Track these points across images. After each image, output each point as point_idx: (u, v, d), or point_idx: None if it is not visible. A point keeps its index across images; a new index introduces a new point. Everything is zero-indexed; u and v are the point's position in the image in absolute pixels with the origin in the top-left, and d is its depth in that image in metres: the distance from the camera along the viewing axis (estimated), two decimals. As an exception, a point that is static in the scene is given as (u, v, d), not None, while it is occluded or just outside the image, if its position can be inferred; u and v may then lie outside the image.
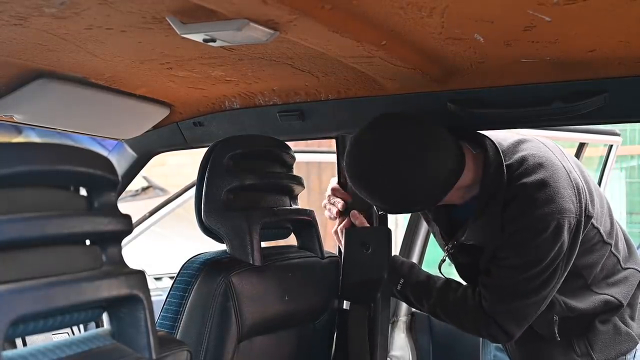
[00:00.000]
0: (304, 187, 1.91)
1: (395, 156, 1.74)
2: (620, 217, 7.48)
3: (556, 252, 1.82)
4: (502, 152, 1.87)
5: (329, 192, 2.05)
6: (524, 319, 1.89)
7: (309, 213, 1.93)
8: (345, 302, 2.07)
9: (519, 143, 1.91)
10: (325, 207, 2.06)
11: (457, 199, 1.89)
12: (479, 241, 1.88)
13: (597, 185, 2.05)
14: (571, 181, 1.86)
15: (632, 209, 7.80)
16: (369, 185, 1.79)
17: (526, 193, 1.83)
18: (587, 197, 1.89)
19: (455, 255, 2.00)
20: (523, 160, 1.86)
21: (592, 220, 1.90)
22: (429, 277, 1.98)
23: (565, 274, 1.88)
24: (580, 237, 1.87)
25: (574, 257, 1.88)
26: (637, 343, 2.07)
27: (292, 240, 1.96)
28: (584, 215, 1.86)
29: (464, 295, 1.92)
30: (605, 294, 2.00)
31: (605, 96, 1.69)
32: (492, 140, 1.87)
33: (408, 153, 1.73)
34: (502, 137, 1.93)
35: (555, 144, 2.00)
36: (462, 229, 1.91)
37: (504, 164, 1.85)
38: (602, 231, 1.95)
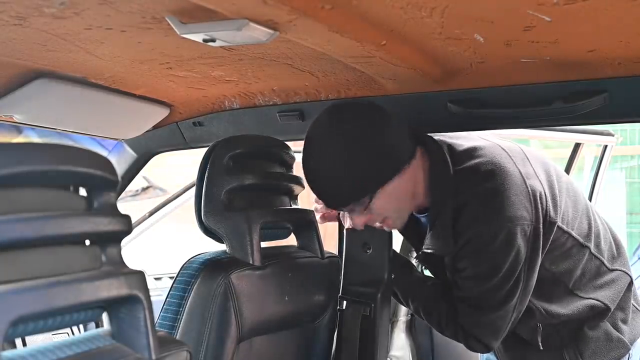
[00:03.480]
0: (303, 187, 1.91)
1: (327, 147, 1.73)
2: (620, 217, 7.47)
3: (513, 261, 1.79)
4: (455, 158, 1.85)
5: None
6: (498, 331, 1.89)
7: (309, 213, 1.92)
8: (345, 302, 2.07)
9: (474, 149, 1.88)
10: (317, 209, 2.01)
11: (411, 206, 1.88)
12: (435, 250, 1.86)
13: (573, 187, 2.00)
14: (526, 187, 1.82)
15: (632, 209, 7.80)
16: (309, 179, 1.79)
17: (476, 202, 1.81)
18: (549, 202, 1.85)
19: (424, 266, 2.01)
20: (474, 167, 1.84)
21: (560, 225, 1.87)
22: (419, 278, 1.98)
23: (532, 283, 1.86)
24: (543, 244, 1.84)
25: (538, 264, 1.85)
26: (629, 349, 2.03)
27: (292, 240, 1.96)
28: (542, 222, 1.82)
29: (447, 305, 1.92)
30: (590, 298, 1.97)
31: (605, 96, 1.69)
32: (440, 148, 1.85)
33: (339, 144, 1.72)
34: (460, 142, 1.91)
35: (518, 148, 1.95)
36: (424, 240, 1.90)
37: (453, 169, 1.83)
38: (575, 235, 1.92)
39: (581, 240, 1.94)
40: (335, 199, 1.80)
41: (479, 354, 2.41)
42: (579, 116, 1.75)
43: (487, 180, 1.81)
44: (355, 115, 1.75)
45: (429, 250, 1.87)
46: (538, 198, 1.83)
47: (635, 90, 1.69)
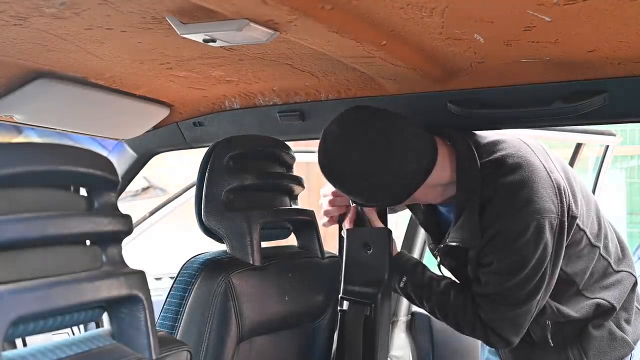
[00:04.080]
0: (304, 187, 1.91)
1: (360, 149, 1.73)
2: (620, 217, 7.47)
3: (541, 255, 1.79)
4: (480, 150, 1.85)
5: (328, 195, 2.01)
6: (520, 327, 1.88)
7: (309, 213, 1.92)
8: (345, 302, 2.07)
9: (498, 142, 1.88)
10: (324, 212, 2.02)
11: (435, 198, 1.88)
12: (461, 243, 1.85)
13: (585, 187, 2.02)
14: (552, 181, 1.82)
15: (632, 209, 7.80)
16: (337, 177, 1.79)
17: (503, 194, 1.80)
18: (570, 197, 1.85)
19: (444, 260, 1.98)
20: (500, 159, 1.84)
21: (578, 221, 1.87)
22: (432, 278, 1.97)
23: (555, 277, 1.86)
24: (566, 238, 1.84)
25: (561, 260, 1.85)
26: (632, 348, 2.03)
27: (292, 240, 1.96)
28: (567, 216, 1.82)
29: (464, 302, 1.91)
30: (597, 297, 1.97)
31: (605, 96, 1.69)
32: (465, 139, 1.85)
33: (374, 146, 1.72)
34: (483, 135, 1.91)
35: (538, 144, 1.96)
36: (448, 232, 1.89)
37: (479, 162, 1.82)
38: (588, 234, 1.92)
39: (592, 240, 1.94)
40: (379, 202, 1.90)
41: (479, 353, 2.41)
42: (579, 116, 1.75)
43: (513, 173, 1.81)
44: (379, 117, 1.76)
45: (453, 243, 1.85)
46: (563, 192, 1.83)
47: (635, 90, 1.69)
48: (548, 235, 1.79)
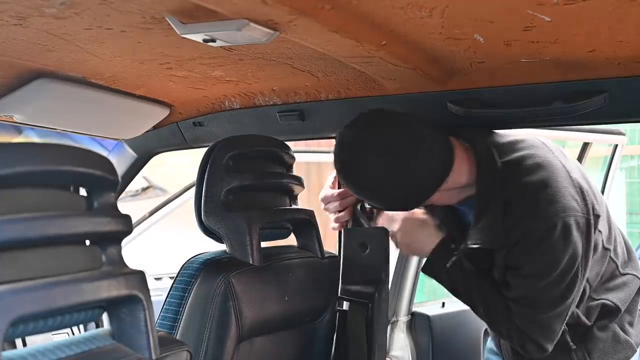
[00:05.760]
0: (304, 187, 1.91)
1: (377, 155, 1.70)
2: (620, 217, 7.47)
3: (571, 255, 1.75)
4: (498, 150, 1.83)
5: (333, 200, 1.97)
6: (553, 332, 1.84)
7: (309, 213, 1.92)
8: (345, 302, 2.07)
9: (516, 142, 1.86)
10: (327, 210, 1.99)
11: (451, 200, 1.86)
12: (484, 244, 1.80)
13: (598, 189, 1.99)
14: (572, 181, 1.80)
15: (632, 209, 7.79)
16: (356, 184, 1.77)
17: (524, 195, 1.78)
18: (593, 197, 1.83)
19: (466, 261, 1.90)
20: (521, 159, 1.82)
21: (599, 220, 1.83)
22: (473, 272, 1.91)
23: (585, 279, 1.82)
24: (594, 238, 1.81)
25: (591, 259, 1.81)
26: (635, 351, 2.03)
27: (292, 240, 1.96)
28: (592, 214, 1.79)
29: (503, 305, 1.85)
30: (602, 298, 1.96)
31: (605, 96, 1.69)
32: (484, 139, 1.83)
33: (391, 152, 1.70)
34: (501, 134, 1.90)
35: (556, 145, 1.95)
36: (468, 234, 1.84)
37: (499, 161, 1.80)
38: (603, 236, 1.90)
39: (605, 243, 1.92)
40: (397, 207, 1.88)
41: (479, 353, 2.41)
42: (579, 116, 1.75)
43: (534, 173, 1.79)
44: (394, 120, 1.74)
45: (476, 245, 1.81)
46: (585, 191, 1.81)
47: (635, 90, 1.69)
48: (576, 234, 1.75)
